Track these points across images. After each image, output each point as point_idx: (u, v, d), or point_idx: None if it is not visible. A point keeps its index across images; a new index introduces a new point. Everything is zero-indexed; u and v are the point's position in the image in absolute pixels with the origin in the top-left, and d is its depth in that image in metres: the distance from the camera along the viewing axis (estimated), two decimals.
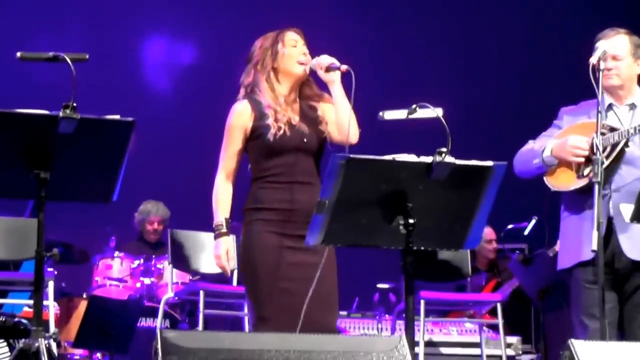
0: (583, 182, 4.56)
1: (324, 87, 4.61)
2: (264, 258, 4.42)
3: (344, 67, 4.46)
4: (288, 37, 4.58)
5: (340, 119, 4.51)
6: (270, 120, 4.47)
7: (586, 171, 4.55)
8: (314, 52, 4.62)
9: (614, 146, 4.51)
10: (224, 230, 4.51)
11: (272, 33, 4.63)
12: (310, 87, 4.63)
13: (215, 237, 4.53)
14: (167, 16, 9.66)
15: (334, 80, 4.49)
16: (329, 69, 4.49)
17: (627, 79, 4.68)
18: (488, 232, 8.29)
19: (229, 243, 4.52)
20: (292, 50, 4.56)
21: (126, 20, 9.41)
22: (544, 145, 4.69)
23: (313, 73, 4.60)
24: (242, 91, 4.63)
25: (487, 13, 9.84)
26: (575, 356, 3.45)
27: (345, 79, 4.49)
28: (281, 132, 4.45)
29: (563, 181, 4.64)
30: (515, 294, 7.74)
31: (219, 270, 4.63)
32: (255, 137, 4.52)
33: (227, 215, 4.54)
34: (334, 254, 4.52)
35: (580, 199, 4.59)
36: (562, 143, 4.61)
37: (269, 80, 4.55)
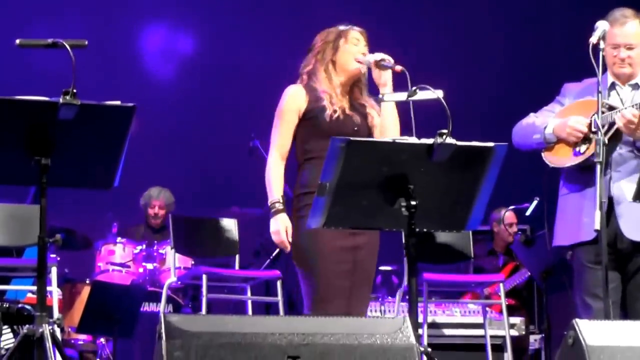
0: (579, 159, 4.57)
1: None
2: (317, 243, 4.53)
3: (399, 68, 4.54)
4: (351, 35, 4.73)
5: (384, 122, 4.66)
6: (326, 102, 4.62)
7: (582, 148, 4.56)
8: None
9: (612, 125, 4.50)
10: (281, 207, 4.61)
11: (335, 28, 4.77)
12: (360, 90, 4.77)
13: (273, 215, 4.62)
14: (166, 2, 9.64)
15: (386, 83, 4.61)
16: (380, 66, 4.59)
17: (637, 64, 4.68)
18: (509, 216, 8.23)
19: (287, 220, 4.61)
20: (353, 47, 4.71)
21: (125, 6, 9.39)
22: (546, 122, 4.69)
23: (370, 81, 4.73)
24: (302, 78, 4.76)
25: None
26: (580, 336, 3.44)
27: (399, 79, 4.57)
28: (336, 114, 4.61)
29: (561, 157, 4.64)
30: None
31: (221, 255, 4.70)
32: (308, 118, 4.66)
33: (282, 193, 4.64)
34: (377, 237, 4.67)
35: (581, 177, 4.59)
36: (563, 123, 4.61)
37: (327, 71, 4.70)
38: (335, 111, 4.62)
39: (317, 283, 4.55)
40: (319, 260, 4.54)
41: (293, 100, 4.69)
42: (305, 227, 4.48)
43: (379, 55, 4.63)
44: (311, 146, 4.64)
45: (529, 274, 7.66)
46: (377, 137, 4.67)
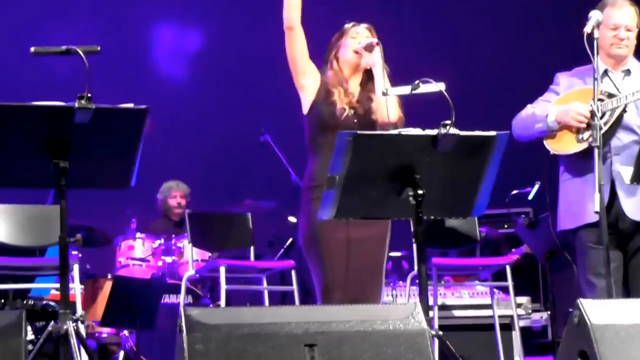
0: (583, 146, 4.65)
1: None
2: (321, 235, 4.64)
3: (375, 42, 4.72)
4: (352, 30, 4.87)
5: (380, 99, 4.72)
6: (334, 97, 4.76)
7: (586, 135, 4.64)
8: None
9: (612, 112, 4.61)
10: None
11: (341, 29, 4.93)
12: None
13: None
14: (175, 3, 9.73)
15: (375, 62, 4.73)
16: (367, 48, 4.75)
17: (631, 49, 4.80)
18: None
19: None
20: (351, 40, 4.85)
21: (135, 10, 9.46)
22: (546, 111, 4.77)
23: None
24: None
25: None
26: (584, 315, 3.51)
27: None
28: (339, 110, 4.73)
29: (564, 145, 4.73)
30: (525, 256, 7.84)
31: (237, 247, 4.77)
32: (315, 105, 4.78)
33: None
34: (387, 228, 4.75)
35: (581, 163, 4.68)
36: (566, 109, 4.69)
37: (333, 68, 4.86)
38: (339, 107, 4.74)
39: (321, 274, 4.67)
40: (322, 252, 4.65)
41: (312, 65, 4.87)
42: (311, 220, 4.64)
43: (364, 41, 4.78)
44: (314, 140, 4.78)
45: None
46: (378, 118, 4.76)
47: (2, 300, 6.03)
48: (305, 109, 4.85)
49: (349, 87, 4.84)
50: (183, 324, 3.34)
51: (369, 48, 4.75)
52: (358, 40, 4.82)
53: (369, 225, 4.63)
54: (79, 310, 5.54)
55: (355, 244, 4.65)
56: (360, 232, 4.64)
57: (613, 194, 4.62)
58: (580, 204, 4.69)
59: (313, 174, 4.76)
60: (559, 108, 4.74)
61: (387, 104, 4.68)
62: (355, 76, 4.88)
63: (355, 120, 4.74)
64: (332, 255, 4.65)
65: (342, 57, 4.85)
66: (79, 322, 4.11)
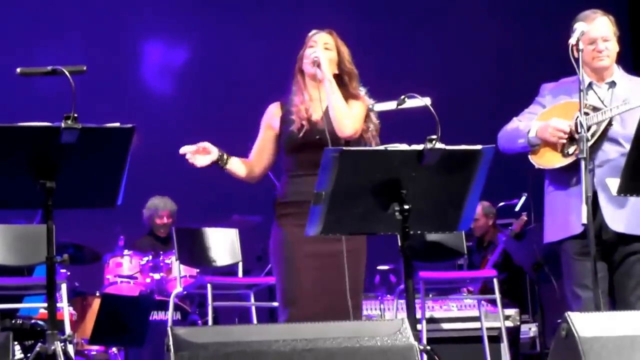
0: (569, 160, 4.66)
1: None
2: (288, 251, 4.62)
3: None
4: (311, 40, 4.76)
5: (331, 114, 4.65)
6: (292, 116, 4.68)
7: (571, 149, 4.66)
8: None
9: (598, 125, 4.63)
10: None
11: None
12: (346, 88, 4.74)
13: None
14: (162, 23, 9.75)
15: (323, 76, 4.63)
16: (313, 64, 4.65)
17: (613, 58, 4.81)
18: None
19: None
20: (309, 50, 4.72)
21: (122, 28, 9.50)
22: (529, 126, 4.79)
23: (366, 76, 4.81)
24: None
25: None
26: (572, 328, 3.52)
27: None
28: (299, 128, 4.66)
29: (548, 160, 4.74)
30: (510, 266, 7.90)
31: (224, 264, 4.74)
32: (281, 133, 4.75)
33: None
34: (362, 242, 4.69)
35: (565, 175, 4.70)
36: (545, 125, 4.71)
37: (297, 82, 4.77)
38: (301, 125, 4.67)
39: (280, 289, 4.63)
40: (287, 265, 4.61)
41: (266, 117, 4.84)
42: (274, 236, 4.64)
43: (310, 57, 4.69)
44: (284, 160, 4.76)
45: (494, 260, 7.88)
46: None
47: None
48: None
49: (316, 99, 4.71)
50: (171, 342, 3.33)
51: (314, 64, 4.65)
52: (315, 48, 4.70)
53: (338, 240, 4.53)
54: (67, 330, 5.55)
55: (321, 259, 4.58)
56: (326, 247, 4.54)
57: (595, 206, 4.62)
58: (564, 216, 4.70)
59: (284, 193, 4.72)
60: (540, 124, 4.75)
61: (341, 117, 4.60)
62: (318, 87, 4.72)
63: (318, 137, 4.63)
64: (292, 271, 4.59)
65: (304, 69, 4.74)
66: (67, 342, 4.10)
